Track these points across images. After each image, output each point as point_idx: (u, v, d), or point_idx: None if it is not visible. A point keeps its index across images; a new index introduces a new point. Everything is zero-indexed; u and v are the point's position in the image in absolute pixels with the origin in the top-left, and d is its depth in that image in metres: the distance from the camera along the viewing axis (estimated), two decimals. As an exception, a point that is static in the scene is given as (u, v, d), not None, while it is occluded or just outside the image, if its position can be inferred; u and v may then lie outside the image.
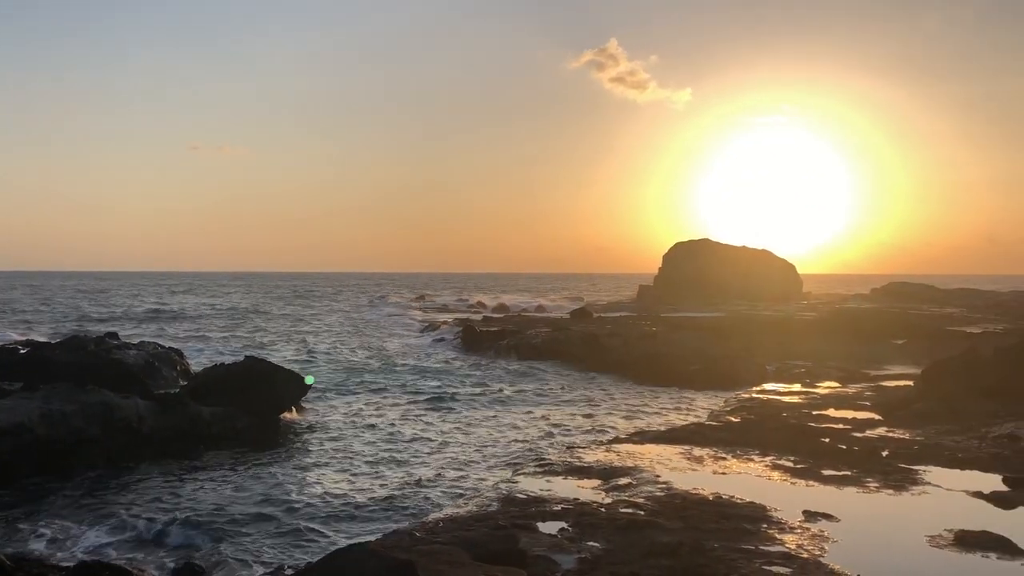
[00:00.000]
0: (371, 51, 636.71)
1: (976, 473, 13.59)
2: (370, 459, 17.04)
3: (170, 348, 30.16)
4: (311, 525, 12.50)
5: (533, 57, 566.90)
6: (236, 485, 14.89)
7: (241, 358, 23.67)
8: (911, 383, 23.16)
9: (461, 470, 16.03)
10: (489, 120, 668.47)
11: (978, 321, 44.66)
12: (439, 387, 27.94)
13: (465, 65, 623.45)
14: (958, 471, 13.77)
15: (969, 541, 9.79)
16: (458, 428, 20.61)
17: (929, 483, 12.85)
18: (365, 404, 24.42)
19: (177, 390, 21.88)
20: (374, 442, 18.82)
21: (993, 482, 12.94)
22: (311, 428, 20.49)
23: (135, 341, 31.77)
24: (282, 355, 37.51)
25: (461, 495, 13.80)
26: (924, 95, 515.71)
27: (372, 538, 11.05)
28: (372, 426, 20.80)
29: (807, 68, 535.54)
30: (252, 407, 19.83)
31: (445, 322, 53.57)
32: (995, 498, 11.92)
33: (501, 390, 27.22)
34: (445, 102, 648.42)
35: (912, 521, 10.86)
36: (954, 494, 12.28)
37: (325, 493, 14.29)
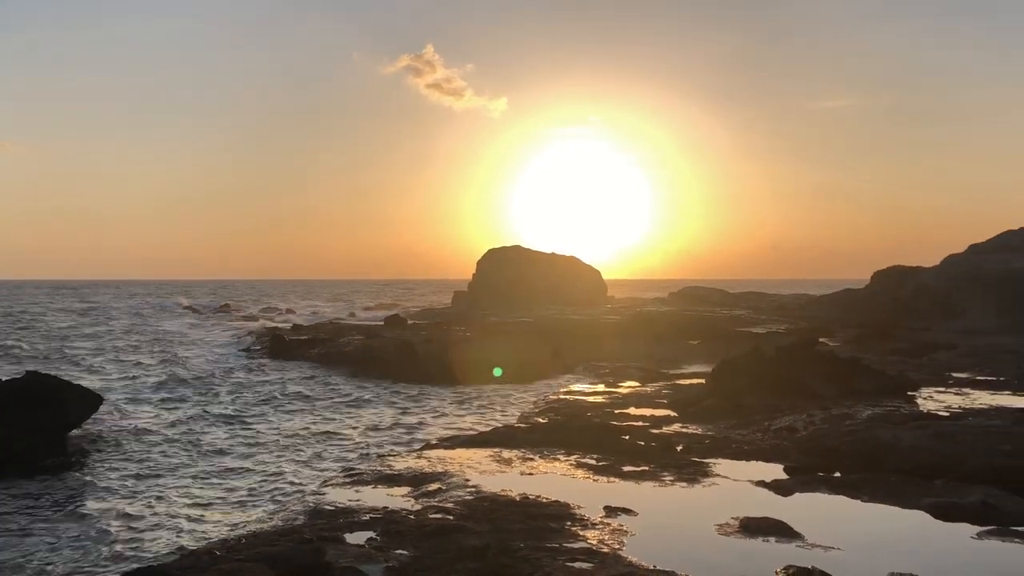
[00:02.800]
0: (179, 48, 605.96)
1: (760, 464, 14.66)
2: (167, 476, 16.14)
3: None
4: (100, 549, 11.67)
5: (348, 60, 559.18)
6: (9, 512, 13.66)
7: (21, 373, 21.78)
8: (703, 381, 24.62)
9: (267, 484, 15.50)
10: (305, 123, 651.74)
11: (763, 322, 47.93)
12: (243, 399, 26.89)
13: (278, 66, 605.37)
14: (744, 462, 14.80)
15: (752, 527, 10.53)
16: (262, 441, 19.92)
17: (718, 475, 13.72)
18: (161, 418, 23.08)
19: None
20: (171, 458, 17.84)
21: (774, 471, 14.02)
22: (103, 446, 19.13)
23: None
24: (69, 370, 34.84)
25: (266, 510, 13.34)
26: (716, 112, 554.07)
27: (167, 560, 10.47)
28: (169, 440, 19.72)
29: (614, 82, 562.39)
30: (35, 427, 18.27)
31: (252, 332, 51.68)
32: (775, 486, 12.91)
33: (311, 400, 26.58)
34: (258, 103, 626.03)
35: (703, 511, 11.54)
36: (740, 484, 13.17)
37: (115, 514, 13.39)
